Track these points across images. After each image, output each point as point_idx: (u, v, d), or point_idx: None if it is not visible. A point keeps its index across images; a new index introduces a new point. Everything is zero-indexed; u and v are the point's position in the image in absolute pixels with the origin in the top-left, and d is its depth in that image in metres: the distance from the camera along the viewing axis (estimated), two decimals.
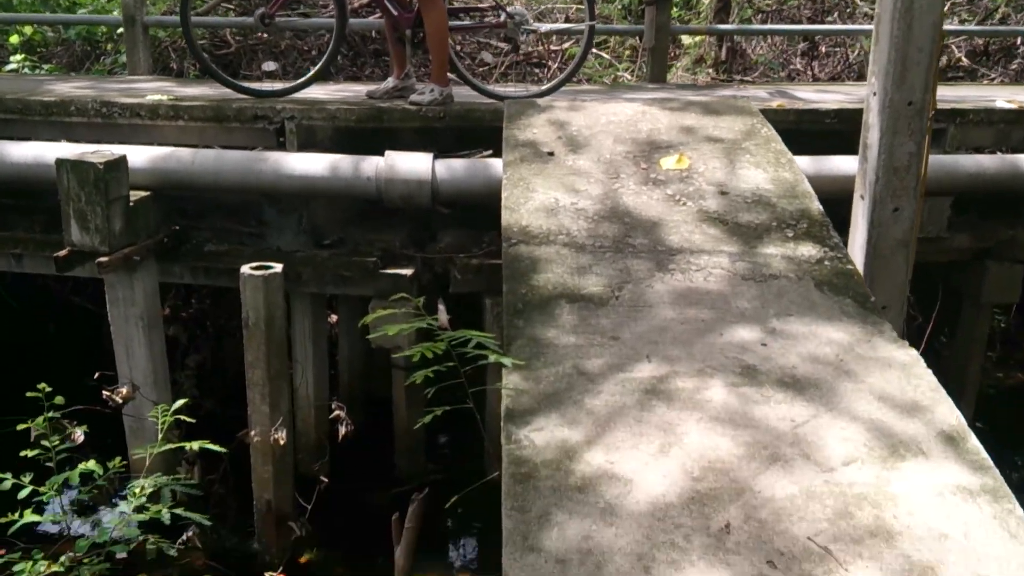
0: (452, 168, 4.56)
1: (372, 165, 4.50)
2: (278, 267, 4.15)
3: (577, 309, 3.10)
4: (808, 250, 3.43)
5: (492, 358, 2.51)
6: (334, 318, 5.90)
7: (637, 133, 4.36)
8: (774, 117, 5.00)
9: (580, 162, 4.08)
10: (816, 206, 3.72)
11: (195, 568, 4.41)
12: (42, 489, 3.26)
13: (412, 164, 4.48)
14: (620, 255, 3.42)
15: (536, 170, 4.01)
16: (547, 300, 3.15)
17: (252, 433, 4.17)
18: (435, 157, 4.57)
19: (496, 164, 4.55)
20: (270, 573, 4.32)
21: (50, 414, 3.40)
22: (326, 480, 4.89)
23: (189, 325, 5.60)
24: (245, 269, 4.10)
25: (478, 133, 4.93)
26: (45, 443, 2.90)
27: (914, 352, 2.82)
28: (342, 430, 4.39)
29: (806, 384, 2.65)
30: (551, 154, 4.15)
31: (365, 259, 4.75)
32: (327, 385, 5.33)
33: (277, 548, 4.41)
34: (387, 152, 4.55)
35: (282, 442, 4.10)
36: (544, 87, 5.58)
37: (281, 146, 4.86)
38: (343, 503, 5.05)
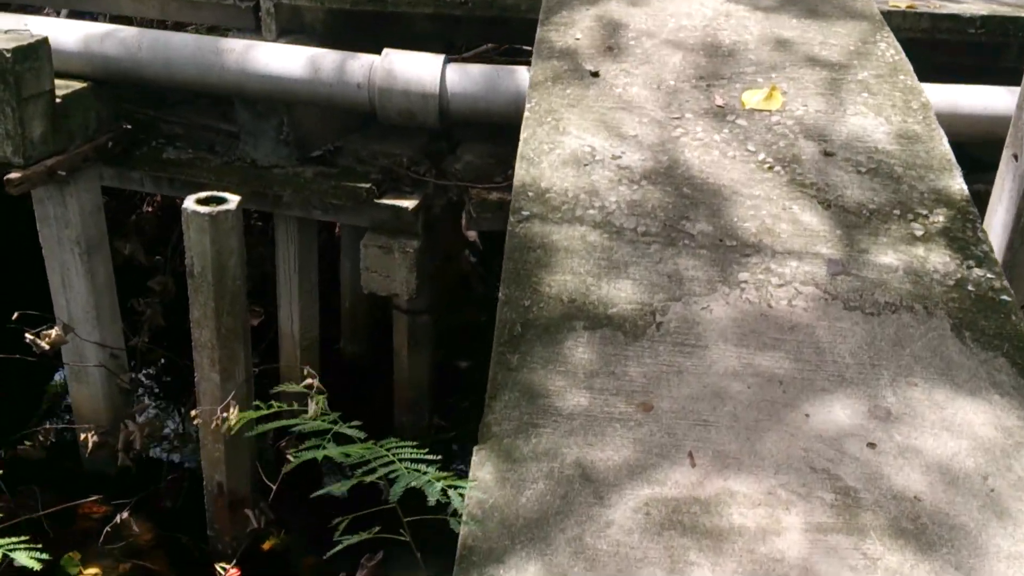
0: (469, 76, 3.50)
1: (364, 67, 3.46)
2: (233, 200, 3.22)
3: (598, 341, 2.14)
4: (943, 261, 2.38)
5: (431, 496, 1.59)
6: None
7: (715, 47, 3.23)
8: (900, 23, 3.81)
9: (633, 89, 3.00)
10: (958, 185, 2.63)
11: (135, 549, 3.74)
12: None
13: (416, 69, 3.43)
14: (671, 248, 2.41)
15: (573, 98, 2.96)
16: (558, 322, 2.20)
17: (194, 413, 3.38)
18: (447, 60, 3.51)
19: (526, 71, 3.48)
20: (222, 566, 3.62)
21: None
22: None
23: (161, 230, 4.75)
24: (188, 203, 3.18)
25: (512, 26, 3.83)
26: None
27: None
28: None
29: (935, 538, 1.69)
30: (595, 74, 3.07)
31: (357, 185, 3.78)
32: (316, 322, 4.49)
33: (231, 537, 3.69)
34: (385, 51, 3.50)
35: (233, 421, 3.29)
36: None
37: (259, 29, 3.83)
38: (324, 470, 4.30)
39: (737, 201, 2.56)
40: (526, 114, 2.91)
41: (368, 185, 3.79)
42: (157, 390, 4.74)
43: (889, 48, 3.25)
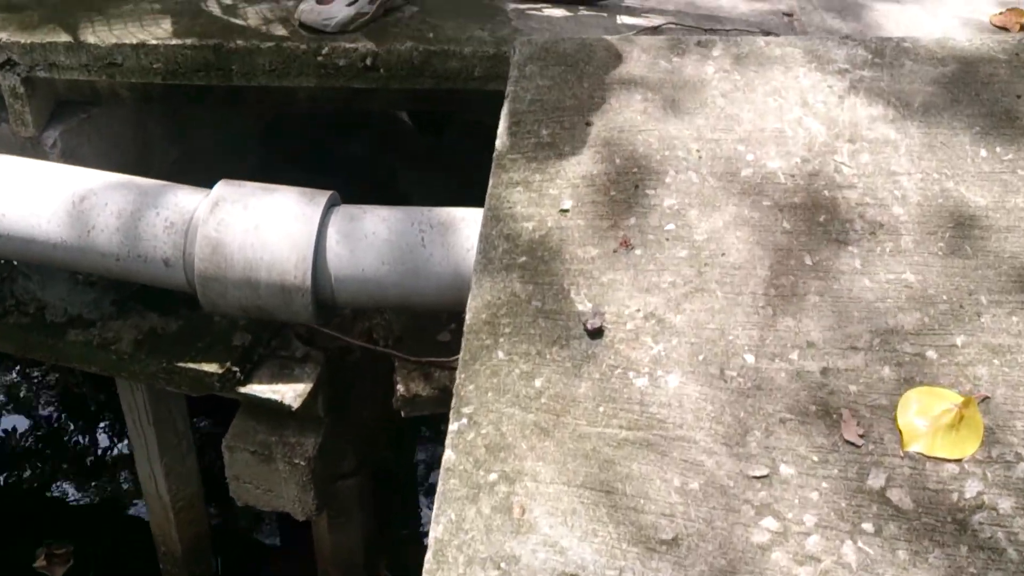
0: (369, 243, 1.92)
1: (175, 228, 1.89)
2: None
3: None
4: None
5: None
6: None
7: (836, 238, 1.65)
8: None
9: (672, 380, 1.47)
10: None
11: None
12: None
13: (269, 233, 1.86)
14: None
15: (546, 406, 1.44)
16: None
17: None
18: (330, 206, 1.93)
19: (475, 221, 1.89)
20: None
21: None
22: None
23: None
24: None
25: (458, 100, 2.21)
26: None
27: None
28: None
29: None
30: (597, 333, 1.53)
31: (203, 368, 2.29)
32: (194, 474, 3.11)
33: None
34: (218, 189, 1.92)
35: None
36: None
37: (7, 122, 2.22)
38: None
39: None
40: (447, 453, 1.41)
41: (223, 369, 2.29)
42: None
43: None
